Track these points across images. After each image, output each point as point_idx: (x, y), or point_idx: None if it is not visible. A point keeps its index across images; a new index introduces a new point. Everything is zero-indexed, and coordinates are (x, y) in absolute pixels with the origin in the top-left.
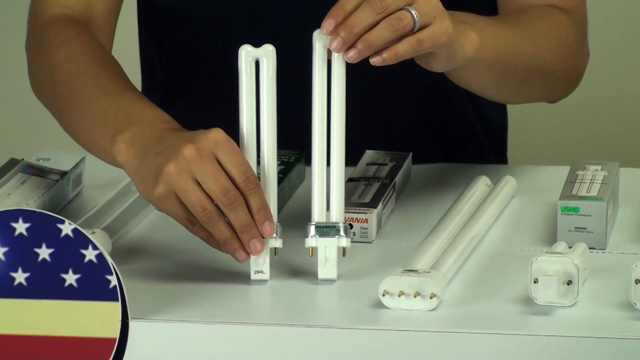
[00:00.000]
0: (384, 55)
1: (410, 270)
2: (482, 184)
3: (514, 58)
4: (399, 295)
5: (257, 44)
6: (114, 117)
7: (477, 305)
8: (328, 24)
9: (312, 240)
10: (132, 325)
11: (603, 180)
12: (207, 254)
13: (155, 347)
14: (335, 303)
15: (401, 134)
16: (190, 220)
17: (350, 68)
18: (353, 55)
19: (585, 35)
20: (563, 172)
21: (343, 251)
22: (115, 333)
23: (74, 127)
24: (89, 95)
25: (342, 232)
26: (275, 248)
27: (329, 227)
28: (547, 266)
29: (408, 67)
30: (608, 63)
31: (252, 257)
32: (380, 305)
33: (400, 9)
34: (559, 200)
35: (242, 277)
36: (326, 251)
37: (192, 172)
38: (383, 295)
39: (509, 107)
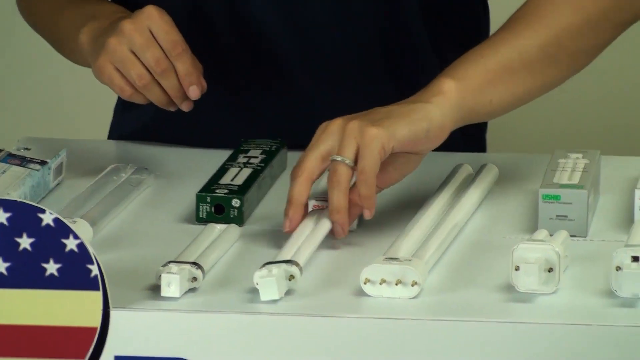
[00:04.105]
0: (365, 212)
1: (392, 259)
2: (463, 172)
3: (519, 57)
4: (380, 283)
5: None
6: (80, 18)
7: (459, 293)
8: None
9: (256, 276)
10: (113, 314)
11: (584, 168)
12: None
13: (136, 336)
14: (316, 291)
15: None
16: (122, 88)
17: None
18: (338, 230)
19: None
20: (544, 160)
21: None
22: (96, 322)
23: (55, 39)
24: (63, 7)
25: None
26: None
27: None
28: (528, 254)
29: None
30: None
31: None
32: (361, 293)
33: (335, 161)
34: (540, 188)
35: (222, 264)
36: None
37: (129, 44)
38: (364, 283)
39: None
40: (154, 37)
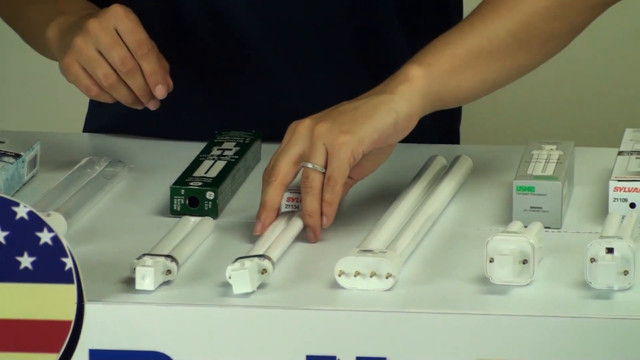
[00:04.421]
0: (323, 219)
1: (366, 251)
2: (437, 163)
3: (488, 42)
4: (355, 276)
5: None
6: (49, 13)
7: (433, 285)
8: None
9: (229, 270)
10: (88, 307)
11: (558, 159)
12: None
13: (111, 329)
14: (291, 284)
15: None
16: (89, 87)
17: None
18: (310, 235)
19: None
20: (518, 151)
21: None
22: (71, 316)
23: (25, 32)
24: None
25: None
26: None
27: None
28: (503, 245)
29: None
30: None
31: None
32: (336, 285)
33: (307, 168)
34: (514, 179)
35: (196, 257)
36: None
37: (95, 44)
38: (339, 276)
39: None
40: (120, 36)
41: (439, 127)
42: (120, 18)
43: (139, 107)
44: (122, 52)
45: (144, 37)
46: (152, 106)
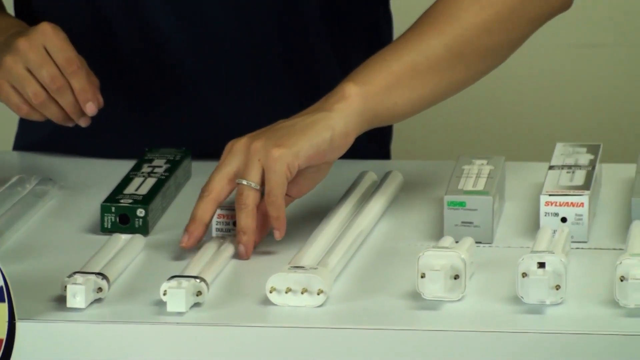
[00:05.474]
0: (275, 233)
1: (297, 267)
2: (368, 179)
3: (424, 58)
4: (286, 292)
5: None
6: None
7: (365, 300)
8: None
9: (164, 286)
10: (19, 325)
11: (489, 174)
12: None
13: (42, 347)
14: (222, 301)
15: None
16: (19, 106)
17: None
18: (242, 251)
19: None
20: (449, 167)
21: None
22: (2, 334)
23: None
24: None
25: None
26: None
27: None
28: (434, 261)
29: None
30: None
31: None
32: (267, 302)
33: (240, 184)
34: (445, 194)
35: (127, 274)
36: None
37: (25, 62)
38: (270, 292)
39: None
40: (49, 54)
41: (370, 143)
42: (49, 36)
43: (70, 125)
44: (51, 70)
45: (72, 54)
46: (83, 123)
